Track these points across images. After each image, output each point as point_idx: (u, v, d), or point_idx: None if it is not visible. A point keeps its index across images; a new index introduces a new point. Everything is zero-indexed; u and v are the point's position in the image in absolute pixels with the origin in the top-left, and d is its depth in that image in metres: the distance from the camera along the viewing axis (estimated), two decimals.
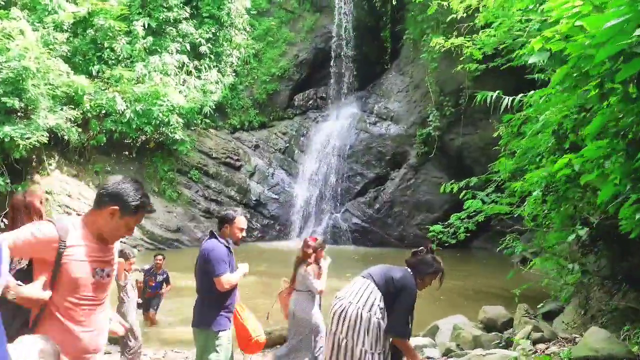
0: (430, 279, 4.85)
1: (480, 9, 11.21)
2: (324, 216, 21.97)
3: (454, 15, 17.59)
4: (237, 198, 22.08)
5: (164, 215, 20.23)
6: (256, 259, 19.01)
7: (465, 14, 12.12)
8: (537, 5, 8.57)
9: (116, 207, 3.19)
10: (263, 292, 13.61)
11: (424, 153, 20.86)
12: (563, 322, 9.09)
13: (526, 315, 7.41)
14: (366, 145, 22.08)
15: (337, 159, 22.41)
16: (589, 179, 4.62)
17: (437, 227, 13.16)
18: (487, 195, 12.65)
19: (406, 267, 4.85)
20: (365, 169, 22.07)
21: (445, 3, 12.62)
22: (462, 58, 13.62)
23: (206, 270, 5.17)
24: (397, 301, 4.56)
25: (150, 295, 10.42)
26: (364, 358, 4.34)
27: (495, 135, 11.34)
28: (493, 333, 7.15)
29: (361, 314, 4.44)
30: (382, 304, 4.51)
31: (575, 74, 4.67)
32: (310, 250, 7.13)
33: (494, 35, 11.53)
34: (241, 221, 5.46)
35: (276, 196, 22.73)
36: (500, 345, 6.51)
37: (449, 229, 13.19)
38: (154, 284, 10.40)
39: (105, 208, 3.21)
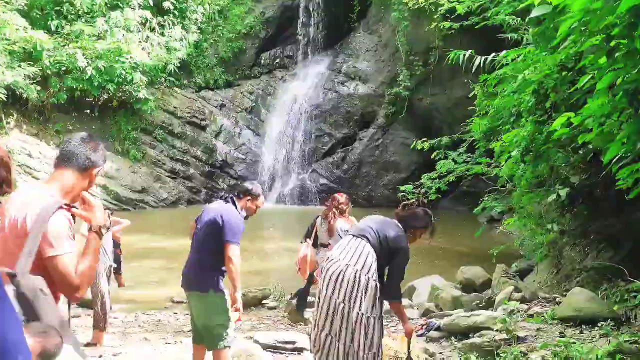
0: (420, 233, 4.71)
1: None
2: (291, 177, 21.81)
3: None
4: (203, 158, 21.74)
5: (129, 175, 19.82)
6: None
7: None
8: None
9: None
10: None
11: (392, 113, 20.75)
12: (534, 281, 9.19)
13: (505, 275, 7.42)
14: (334, 105, 21.85)
15: (304, 119, 22.16)
16: (589, 138, 4.52)
17: (408, 187, 13.11)
18: (458, 155, 12.67)
19: (396, 222, 4.68)
20: (333, 129, 21.89)
21: None
22: (435, 16, 13.46)
23: (217, 233, 4.79)
24: (394, 263, 4.43)
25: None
26: (360, 322, 4.20)
27: (470, 95, 11.22)
28: (473, 294, 7.14)
29: (359, 276, 4.27)
30: (376, 265, 4.38)
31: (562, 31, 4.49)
32: (344, 206, 7.26)
33: None
34: (262, 200, 5.25)
35: (243, 156, 22.45)
36: (481, 305, 6.49)
37: (419, 188, 13.20)
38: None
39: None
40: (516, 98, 8.39)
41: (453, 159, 12.48)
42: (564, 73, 6.75)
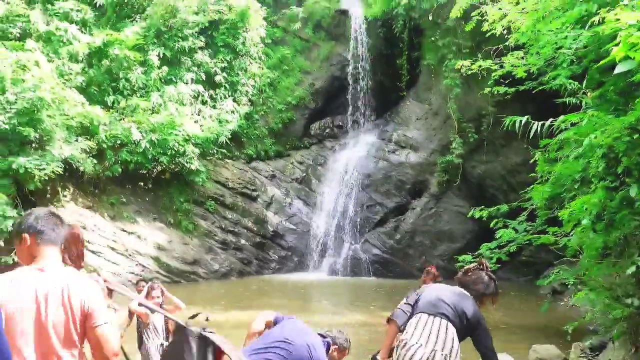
0: (487, 300, 4.33)
1: (512, 30, 10.85)
2: (343, 247, 21.44)
3: (479, 38, 17.32)
4: (254, 229, 21.62)
5: (180, 247, 19.78)
6: (275, 292, 18.51)
7: (493, 34, 11.75)
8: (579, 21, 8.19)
9: None
10: None
11: (445, 181, 20.38)
12: (610, 359, 8.51)
13: (583, 355, 6.85)
14: (385, 173, 21.62)
15: (355, 189, 21.96)
16: None
17: (467, 257, 12.62)
18: (519, 223, 12.17)
19: (465, 291, 4.30)
20: (385, 198, 21.58)
21: (471, 25, 12.24)
22: (489, 82, 13.19)
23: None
24: (482, 338, 4.07)
25: None
26: None
27: (527, 161, 10.82)
28: None
29: None
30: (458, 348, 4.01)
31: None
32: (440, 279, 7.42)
33: (523, 57, 11.16)
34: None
35: (294, 227, 22.26)
36: None
37: (478, 259, 12.67)
38: None
39: None
40: (581, 163, 8.00)
41: (514, 228, 12.01)
42: (635, 136, 6.37)
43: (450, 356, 3.88)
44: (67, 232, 3.95)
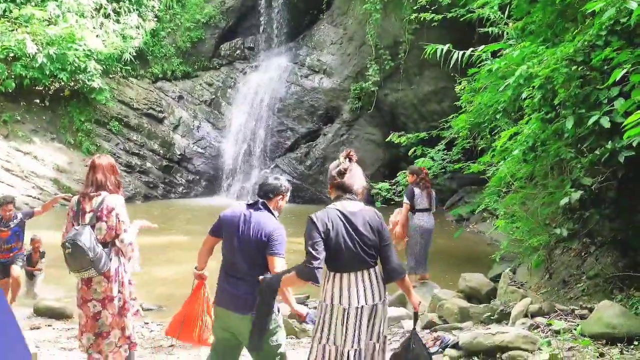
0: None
1: None
2: (252, 172, 21.09)
3: None
4: (161, 152, 20.83)
5: (81, 169, 18.72)
6: (181, 215, 18.05)
7: None
8: None
9: None
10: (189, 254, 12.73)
11: (357, 108, 20.23)
12: (523, 283, 8.80)
13: (512, 284, 6.96)
14: (297, 98, 21.20)
15: (266, 113, 21.44)
16: (635, 132, 4.05)
17: (384, 185, 12.70)
18: (437, 152, 12.28)
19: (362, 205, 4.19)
20: (297, 123, 21.24)
21: None
22: (414, 7, 12.97)
23: (263, 248, 4.25)
24: (387, 242, 4.11)
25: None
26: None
27: (458, 88, 10.77)
28: (482, 305, 6.62)
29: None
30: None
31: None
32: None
33: None
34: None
35: (202, 150, 21.62)
36: (493, 318, 6.01)
37: (394, 186, 12.77)
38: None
39: None
40: (508, 94, 7.97)
41: (431, 157, 12.10)
42: (573, 67, 6.32)
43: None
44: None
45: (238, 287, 4.27)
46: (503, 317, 5.93)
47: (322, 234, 3.85)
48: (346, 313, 3.89)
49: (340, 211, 3.99)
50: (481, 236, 14.62)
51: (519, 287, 6.88)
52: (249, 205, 4.46)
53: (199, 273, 4.84)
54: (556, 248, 8.43)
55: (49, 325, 7.42)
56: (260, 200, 4.48)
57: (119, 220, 5.01)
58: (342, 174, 4.17)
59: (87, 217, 4.98)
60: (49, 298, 8.70)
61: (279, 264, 4.18)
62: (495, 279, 9.21)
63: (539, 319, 5.42)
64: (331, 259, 3.90)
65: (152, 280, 10.38)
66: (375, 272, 4.03)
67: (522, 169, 7.88)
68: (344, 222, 3.95)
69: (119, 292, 5.06)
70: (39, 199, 17.56)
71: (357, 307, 3.88)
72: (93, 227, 4.94)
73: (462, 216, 16.70)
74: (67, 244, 4.78)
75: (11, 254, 8.18)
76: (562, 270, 8.06)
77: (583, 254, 7.85)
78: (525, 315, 5.59)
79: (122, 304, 5.07)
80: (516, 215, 7.84)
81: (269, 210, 4.43)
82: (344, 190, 4.13)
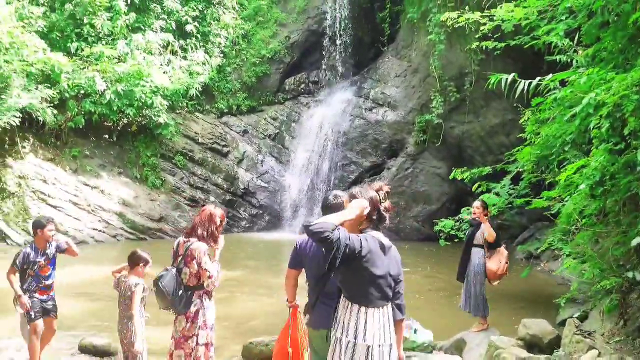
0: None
1: None
2: (315, 207, 20.82)
3: None
4: (224, 186, 20.88)
5: (146, 203, 19.00)
6: (244, 250, 17.90)
7: None
8: None
9: None
10: (251, 291, 12.47)
11: (422, 141, 19.75)
12: (597, 332, 8.08)
13: (578, 332, 6.33)
14: (361, 132, 20.92)
15: (330, 147, 21.25)
16: None
17: (448, 223, 12.14)
18: (502, 187, 11.69)
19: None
20: (360, 157, 20.92)
21: None
22: (476, 36, 12.49)
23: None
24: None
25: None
26: None
27: (521, 121, 10.23)
28: (544, 357, 6.03)
29: None
30: None
31: None
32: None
33: (513, 11, 10.46)
34: None
35: (265, 184, 21.56)
36: None
37: (458, 223, 12.21)
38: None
39: None
40: (575, 124, 7.40)
41: (496, 192, 11.52)
42: None
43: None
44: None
45: (318, 305, 4.49)
46: None
47: (359, 252, 3.65)
48: (370, 351, 3.63)
49: (378, 240, 3.83)
50: (552, 276, 13.77)
51: (587, 336, 6.23)
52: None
53: (292, 304, 5.18)
54: (632, 291, 7.71)
55: None
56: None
57: (201, 268, 5.36)
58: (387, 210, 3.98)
59: (178, 260, 5.45)
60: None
61: None
62: (563, 323, 8.52)
63: None
64: (361, 288, 3.70)
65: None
66: (389, 309, 3.85)
67: (592, 204, 7.26)
68: (381, 252, 3.81)
69: (195, 334, 5.39)
70: (104, 232, 17.83)
71: (379, 345, 3.64)
72: (180, 270, 5.41)
73: (532, 254, 15.85)
74: (155, 283, 5.34)
75: (51, 291, 7.10)
76: (638, 317, 7.33)
77: None
78: None
79: (194, 345, 5.39)
80: (586, 255, 7.20)
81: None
82: (380, 221, 3.94)
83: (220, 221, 5.66)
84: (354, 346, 3.61)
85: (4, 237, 16.38)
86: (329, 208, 4.62)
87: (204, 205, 5.70)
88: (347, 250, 3.56)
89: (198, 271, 5.36)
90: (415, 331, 4.87)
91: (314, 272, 4.60)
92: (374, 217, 3.89)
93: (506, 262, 8.79)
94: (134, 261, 6.33)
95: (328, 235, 3.45)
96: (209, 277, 5.31)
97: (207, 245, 5.49)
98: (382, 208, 3.91)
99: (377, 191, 3.95)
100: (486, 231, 8.82)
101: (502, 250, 8.90)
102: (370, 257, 3.69)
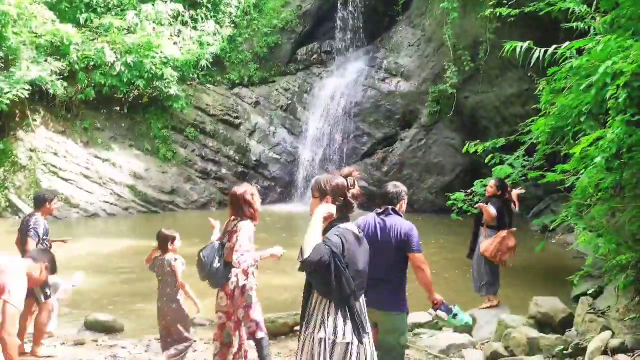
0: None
1: None
2: None
3: None
4: (236, 158, 20.74)
5: (157, 175, 18.94)
6: (258, 223, 17.80)
7: None
8: None
9: None
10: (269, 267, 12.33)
11: (436, 112, 19.43)
12: (609, 307, 7.89)
13: (591, 311, 6.13)
14: (374, 102, 20.62)
15: (342, 118, 20.99)
16: None
17: (459, 195, 11.89)
18: (515, 159, 11.42)
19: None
20: (373, 128, 20.65)
21: None
22: (491, 2, 12.15)
23: (403, 247, 4.96)
24: None
25: None
26: None
27: (536, 92, 9.90)
28: (554, 336, 5.85)
29: None
30: None
31: None
32: None
33: None
34: None
35: (277, 156, 21.40)
36: (567, 353, 5.26)
37: (470, 195, 11.95)
38: None
39: None
40: (592, 94, 7.12)
41: (510, 164, 11.25)
42: None
43: None
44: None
45: (379, 287, 4.78)
46: (578, 352, 5.16)
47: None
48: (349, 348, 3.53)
49: (352, 232, 3.74)
50: (567, 249, 13.54)
51: (600, 315, 6.03)
52: (379, 213, 5.13)
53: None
54: None
55: (94, 341, 7.20)
56: (390, 207, 5.13)
57: (234, 244, 5.48)
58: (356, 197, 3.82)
59: (224, 235, 5.69)
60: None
61: (420, 259, 4.99)
62: (577, 299, 8.34)
63: (620, 357, 4.64)
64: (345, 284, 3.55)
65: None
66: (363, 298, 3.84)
67: (608, 177, 7.00)
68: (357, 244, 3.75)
69: (241, 314, 5.62)
70: (116, 205, 17.82)
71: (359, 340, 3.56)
72: (223, 245, 5.61)
73: (547, 226, 15.58)
74: (197, 254, 5.54)
75: None
76: None
77: None
78: (605, 352, 4.81)
79: (236, 319, 5.63)
80: (601, 230, 6.98)
81: (398, 214, 5.12)
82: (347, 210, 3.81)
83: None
84: (333, 344, 3.46)
85: (16, 210, 16.43)
86: (393, 197, 5.19)
87: (235, 189, 5.79)
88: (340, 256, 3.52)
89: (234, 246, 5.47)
90: (454, 316, 4.85)
91: (377, 258, 4.63)
92: (342, 206, 3.72)
93: (499, 244, 8.51)
94: (164, 240, 6.26)
95: (327, 259, 3.40)
96: (236, 251, 5.35)
97: (253, 225, 5.67)
98: (349, 195, 3.73)
99: (345, 177, 3.78)
100: (484, 213, 8.69)
101: (500, 233, 8.65)
102: (350, 253, 3.59)
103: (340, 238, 3.55)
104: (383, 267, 4.84)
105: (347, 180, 3.77)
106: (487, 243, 8.64)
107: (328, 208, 3.62)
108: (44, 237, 6.84)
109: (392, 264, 4.95)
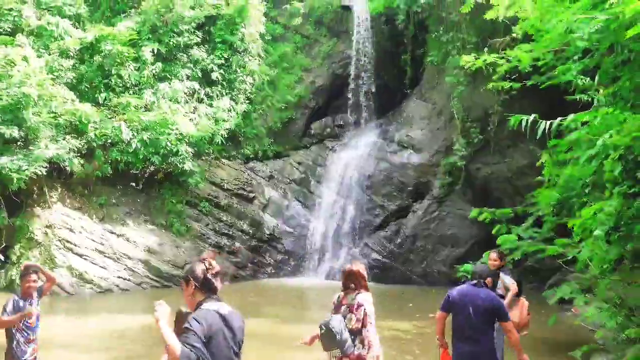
0: None
1: (519, 22, 10.00)
2: (341, 251, 20.63)
3: (483, 34, 16.49)
4: (250, 232, 20.83)
5: (171, 250, 19.03)
6: (271, 298, 17.72)
7: (499, 27, 10.97)
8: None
9: None
10: (274, 343, 12.22)
11: (448, 184, 19.53)
12: None
13: None
14: (387, 175, 20.78)
15: (355, 190, 21.14)
16: None
17: (468, 267, 11.88)
18: (524, 230, 11.36)
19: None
20: (386, 200, 20.73)
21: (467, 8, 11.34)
22: (495, 77, 12.35)
23: (494, 315, 6.12)
24: None
25: None
26: None
27: (534, 164, 9.99)
28: None
29: None
30: None
31: None
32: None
33: (532, 50, 10.32)
34: None
35: (291, 230, 21.46)
36: None
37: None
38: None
39: None
40: (593, 166, 7.18)
41: (518, 234, 11.20)
42: None
43: None
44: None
45: (474, 346, 6.07)
46: None
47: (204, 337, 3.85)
48: None
49: (215, 311, 4.03)
50: (584, 320, 13.24)
51: None
52: (474, 285, 6.29)
53: (442, 343, 6.61)
54: None
55: None
56: (482, 280, 6.29)
57: (365, 314, 6.20)
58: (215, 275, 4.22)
59: (342, 308, 6.32)
60: None
61: (510, 326, 6.15)
62: None
63: None
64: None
65: None
66: None
67: (612, 250, 6.97)
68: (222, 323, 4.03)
69: None
70: (129, 280, 17.86)
71: None
72: (344, 317, 6.24)
73: (564, 298, 15.30)
74: (322, 327, 6.13)
75: (36, 346, 6.87)
76: None
77: None
78: None
79: None
80: (604, 305, 6.89)
81: (488, 288, 6.31)
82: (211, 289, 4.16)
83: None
84: None
85: None
86: (483, 275, 6.45)
87: (351, 267, 6.54)
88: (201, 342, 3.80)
89: (364, 318, 6.18)
90: None
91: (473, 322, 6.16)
92: (206, 286, 4.12)
93: (528, 314, 8.40)
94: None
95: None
96: (370, 323, 6.19)
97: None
98: (209, 275, 4.11)
99: (202, 261, 4.20)
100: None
101: (523, 301, 8.51)
102: (213, 337, 3.89)
103: (198, 321, 3.86)
104: (477, 330, 6.13)
105: (204, 263, 4.17)
106: (517, 313, 8.46)
107: (163, 310, 3.96)
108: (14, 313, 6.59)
109: (482, 327, 6.13)
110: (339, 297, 6.46)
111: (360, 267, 6.56)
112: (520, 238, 11.23)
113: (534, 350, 10.91)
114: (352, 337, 6.16)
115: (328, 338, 6.10)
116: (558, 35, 7.54)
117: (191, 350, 3.69)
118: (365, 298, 6.29)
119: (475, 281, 6.24)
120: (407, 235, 19.91)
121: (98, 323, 13.61)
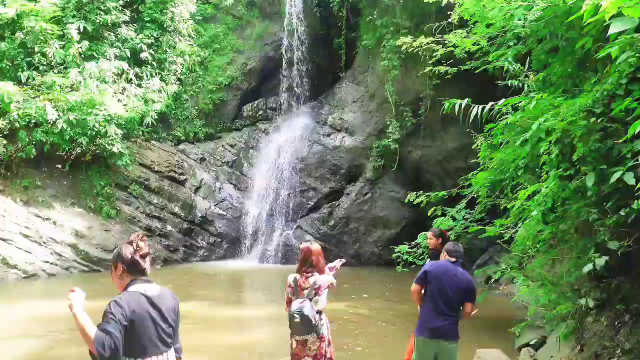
0: None
1: (455, 7, 10.21)
2: (275, 233, 20.64)
3: (417, 19, 16.71)
4: (182, 214, 20.53)
5: (101, 234, 18.53)
6: (204, 281, 17.55)
7: (433, 11, 11.15)
8: None
9: None
10: (209, 326, 12.14)
11: (380, 166, 19.79)
12: (551, 357, 8.05)
13: None
14: (320, 157, 20.87)
15: (288, 173, 21.13)
16: None
17: (403, 248, 12.09)
18: (457, 211, 11.69)
19: None
20: (319, 183, 20.84)
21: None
22: (430, 61, 12.58)
23: (467, 295, 6.31)
24: None
25: None
26: None
27: (474, 146, 10.26)
28: None
29: None
30: None
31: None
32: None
33: (467, 36, 10.55)
34: None
35: (223, 212, 21.28)
36: None
37: (415, 248, 12.14)
38: None
39: None
40: (527, 149, 7.42)
41: (452, 216, 11.51)
42: (592, 119, 5.78)
43: None
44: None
45: (445, 321, 6.23)
46: None
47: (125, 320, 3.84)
48: None
49: (141, 294, 4.03)
50: (511, 300, 13.75)
51: None
52: (453, 263, 6.43)
53: None
54: (588, 316, 7.69)
55: None
56: (460, 260, 6.49)
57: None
58: (144, 257, 4.21)
59: (305, 292, 6.39)
60: None
61: (473, 310, 6.46)
62: (524, 347, 8.48)
63: None
64: (138, 345, 3.91)
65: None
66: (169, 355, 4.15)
67: (546, 230, 7.24)
68: (148, 305, 4.02)
69: (327, 350, 6.55)
70: (56, 264, 17.32)
71: None
72: (310, 300, 6.36)
73: (491, 277, 15.85)
74: (295, 314, 6.24)
75: None
76: (594, 342, 7.30)
77: (617, 323, 7.10)
78: None
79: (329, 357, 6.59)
80: (540, 281, 7.17)
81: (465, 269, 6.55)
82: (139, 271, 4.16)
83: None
84: None
85: None
86: (462, 254, 6.62)
87: (309, 246, 6.67)
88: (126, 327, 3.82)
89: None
90: None
91: (447, 297, 6.35)
92: (134, 268, 4.12)
93: None
94: None
95: (112, 344, 3.66)
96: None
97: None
98: (137, 257, 4.12)
99: (130, 243, 4.21)
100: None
101: None
102: (137, 320, 3.88)
103: (122, 306, 3.84)
104: (449, 305, 6.25)
105: (132, 245, 4.17)
106: None
107: (75, 299, 3.94)
108: None
109: (456, 303, 6.27)
110: (295, 279, 6.52)
111: (317, 245, 6.74)
112: (453, 220, 11.57)
113: (466, 328, 11.26)
114: (320, 315, 6.43)
115: (304, 324, 6.24)
116: (501, 21, 7.70)
117: (106, 336, 3.66)
118: (326, 279, 6.54)
119: (454, 259, 6.38)
120: (340, 217, 20.10)
121: (23, 309, 13.14)
